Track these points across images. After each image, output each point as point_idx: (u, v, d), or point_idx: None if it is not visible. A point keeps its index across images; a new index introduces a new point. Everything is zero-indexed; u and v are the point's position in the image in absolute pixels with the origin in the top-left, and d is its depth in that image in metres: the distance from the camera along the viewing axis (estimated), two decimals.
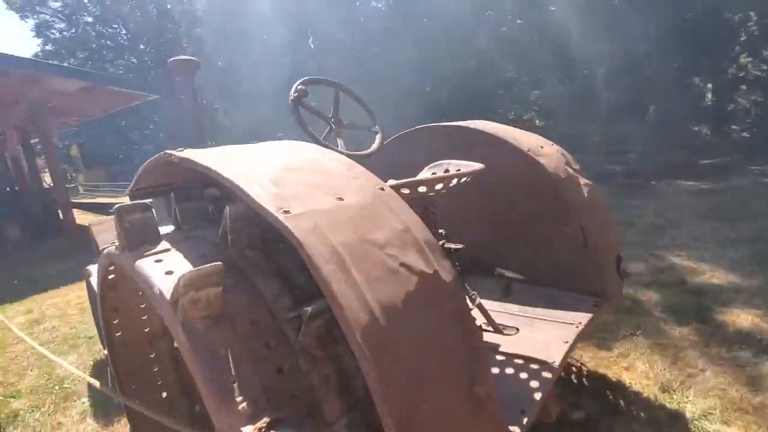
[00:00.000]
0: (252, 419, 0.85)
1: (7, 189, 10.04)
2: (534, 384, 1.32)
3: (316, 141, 1.93)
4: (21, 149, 9.98)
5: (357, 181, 1.20)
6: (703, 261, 4.09)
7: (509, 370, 1.43)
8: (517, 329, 1.71)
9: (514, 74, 13.59)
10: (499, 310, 1.91)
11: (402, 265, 1.01)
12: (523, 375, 1.38)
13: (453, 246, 1.76)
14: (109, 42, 30.63)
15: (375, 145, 2.17)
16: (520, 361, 1.47)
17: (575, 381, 2.49)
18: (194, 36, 18.54)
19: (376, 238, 1.02)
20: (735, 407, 2.15)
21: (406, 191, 1.42)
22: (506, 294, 2.07)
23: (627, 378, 2.44)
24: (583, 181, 2.15)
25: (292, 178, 1.12)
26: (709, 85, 14.55)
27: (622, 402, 2.25)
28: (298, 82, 1.98)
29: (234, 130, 19.02)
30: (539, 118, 13.84)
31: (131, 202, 1.16)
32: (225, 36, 16.63)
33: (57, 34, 29.91)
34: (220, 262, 0.94)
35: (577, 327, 1.64)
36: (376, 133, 2.22)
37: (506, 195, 2.19)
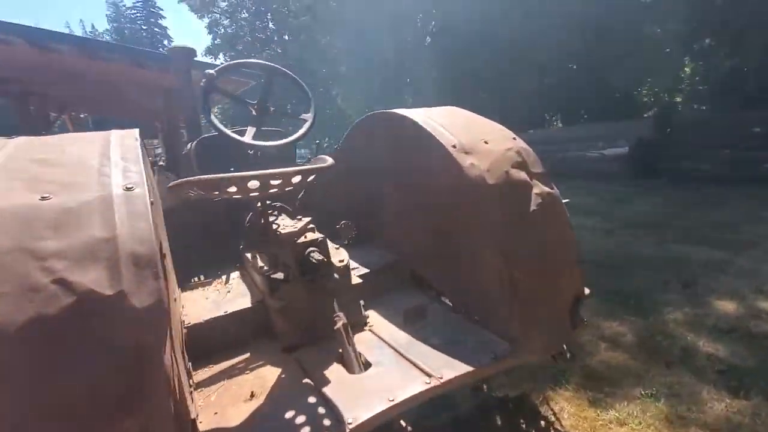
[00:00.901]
0: None
1: None
2: None
3: (220, 131, 1.84)
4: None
5: (101, 178, 1.08)
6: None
7: (299, 419, 1.16)
8: (370, 365, 1.39)
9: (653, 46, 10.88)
10: (386, 338, 1.58)
11: (58, 281, 0.87)
12: (305, 431, 1.11)
13: (317, 258, 1.52)
14: (259, 34, 34.88)
15: (295, 136, 1.98)
16: (322, 411, 1.19)
17: None
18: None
19: (41, 247, 0.90)
20: None
21: (201, 192, 1.24)
22: (417, 318, 1.71)
23: None
24: (538, 189, 1.63)
25: (18, 172, 1.06)
26: None
27: None
28: (213, 70, 1.90)
29: (346, 111, 20.00)
30: (686, 100, 10.91)
31: None
32: (340, 21, 17.32)
33: (222, 30, 35.18)
34: None
35: (428, 383, 1.25)
36: (305, 121, 2.02)
37: (435, 202, 1.79)
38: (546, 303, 1.50)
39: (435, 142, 1.67)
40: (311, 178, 1.40)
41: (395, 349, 1.49)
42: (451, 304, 1.82)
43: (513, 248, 1.48)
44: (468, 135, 1.70)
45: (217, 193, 1.26)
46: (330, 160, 1.41)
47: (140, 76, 8.74)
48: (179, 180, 1.23)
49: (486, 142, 1.69)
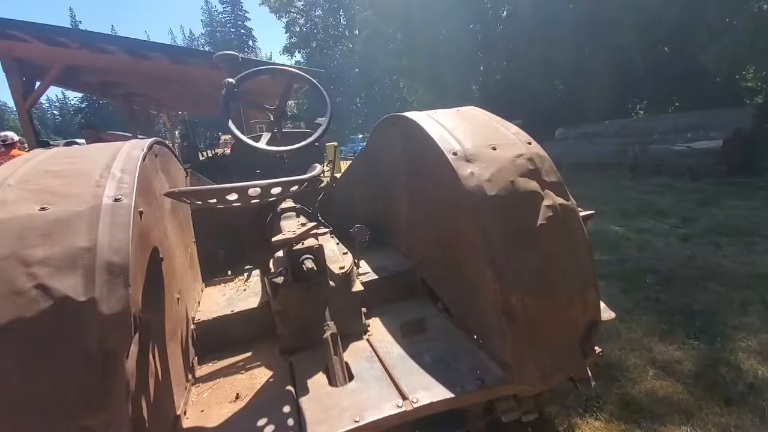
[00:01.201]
0: None
1: None
2: None
3: (236, 137, 1.92)
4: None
5: (96, 190, 1.18)
6: None
7: (268, 429, 1.17)
8: (352, 377, 1.37)
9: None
10: (379, 351, 1.55)
11: (39, 287, 0.97)
12: None
13: (309, 266, 1.52)
14: (332, 31, 35.94)
15: (308, 140, 1.99)
16: (291, 422, 1.19)
17: None
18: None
19: (30, 254, 1.01)
20: None
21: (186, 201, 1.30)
22: (415, 332, 1.65)
23: None
24: (549, 201, 1.48)
25: (32, 183, 1.18)
26: None
27: None
28: (233, 79, 1.98)
29: (413, 104, 19.86)
30: None
31: None
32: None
33: (299, 28, 36.74)
34: None
35: (400, 407, 1.19)
36: (320, 125, 2.03)
37: (438, 212, 1.71)
38: (548, 329, 1.35)
39: (435, 148, 1.59)
40: (294, 188, 1.40)
41: (383, 364, 1.46)
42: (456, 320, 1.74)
43: (512, 267, 1.36)
44: (475, 140, 1.59)
45: (200, 203, 1.32)
46: (318, 169, 1.40)
47: (215, 77, 9.50)
48: (171, 189, 1.31)
49: (494, 148, 1.57)
